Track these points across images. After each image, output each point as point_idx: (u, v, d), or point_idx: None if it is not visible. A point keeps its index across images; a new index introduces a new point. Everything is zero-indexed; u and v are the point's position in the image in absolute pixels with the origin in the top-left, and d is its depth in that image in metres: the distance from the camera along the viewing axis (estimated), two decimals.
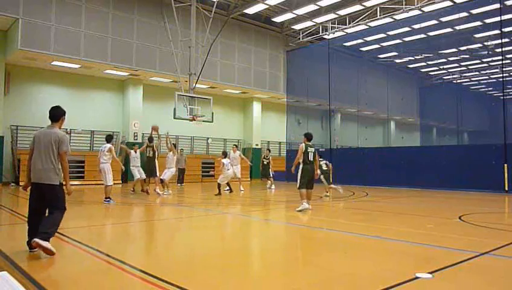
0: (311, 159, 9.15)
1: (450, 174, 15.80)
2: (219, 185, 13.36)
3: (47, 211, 4.81)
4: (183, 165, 18.22)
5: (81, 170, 18.94)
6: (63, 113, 5.14)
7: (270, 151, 17.87)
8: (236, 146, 16.56)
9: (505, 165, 14.46)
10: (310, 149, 9.17)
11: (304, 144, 9.19)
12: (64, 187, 4.88)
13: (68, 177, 4.92)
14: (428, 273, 3.88)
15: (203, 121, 17.11)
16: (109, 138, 10.74)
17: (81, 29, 17.30)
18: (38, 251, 4.56)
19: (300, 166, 9.12)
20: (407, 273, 3.92)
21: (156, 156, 13.47)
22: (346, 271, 4.22)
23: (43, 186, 4.71)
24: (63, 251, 5.18)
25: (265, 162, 16.86)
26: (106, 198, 10.31)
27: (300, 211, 8.85)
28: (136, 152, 14.01)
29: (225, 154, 13.85)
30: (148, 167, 13.34)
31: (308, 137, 9.38)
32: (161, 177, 13.32)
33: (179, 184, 18.05)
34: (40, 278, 3.69)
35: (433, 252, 5.12)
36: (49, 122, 5.14)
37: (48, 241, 4.50)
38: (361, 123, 25.97)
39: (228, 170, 13.53)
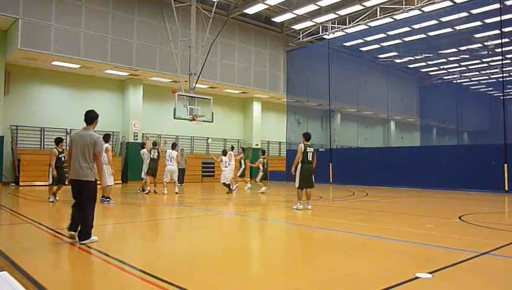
0: (310, 159, 9.24)
1: (450, 174, 15.80)
2: (225, 185, 13.96)
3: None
4: (183, 165, 18.11)
5: None
6: (97, 116, 5.73)
7: (244, 149, 17.97)
8: (233, 147, 16.55)
9: (505, 165, 14.46)
10: (309, 149, 9.24)
11: (302, 144, 9.26)
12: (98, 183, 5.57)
13: (102, 174, 5.76)
14: (428, 273, 3.88)
15: (203, 121, 17.10)
16: (107, 138, 10.59)
17: (81, 29, 17.30)
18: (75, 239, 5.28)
19: (299, 166, 9.19)
20: (407, 273, 3.92)
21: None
22: (346, 271, 4.22)
23: (81, 182, 5.32)
24: (63, 251, 5.18)
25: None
26: (106, 198, 10.28)
27: (296, 209, 9.17)
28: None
29: (224, 153, 14.39)
30: (155, 167, 13.58)
31: (307, 137, 9.45)
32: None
33: (179, 184, 17.99)
34: (40, 278, 3.69)
35: (433, 252, 5.12)
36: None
37: (89, 237, 5.27)
38: (361, 123, 25.99)
39: (226, 167, 13.97)
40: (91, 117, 5.65)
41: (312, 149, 9.33)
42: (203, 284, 3.70)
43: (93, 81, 20.24)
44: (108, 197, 10.30)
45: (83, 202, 5.32)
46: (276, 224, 8.19)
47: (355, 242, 5.88)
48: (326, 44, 21.74)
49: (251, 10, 20.99)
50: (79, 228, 5.29)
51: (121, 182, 19.00)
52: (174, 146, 14.34)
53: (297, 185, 9.26)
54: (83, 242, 5.20)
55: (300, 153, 9.12)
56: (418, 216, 8.84)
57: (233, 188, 15.10)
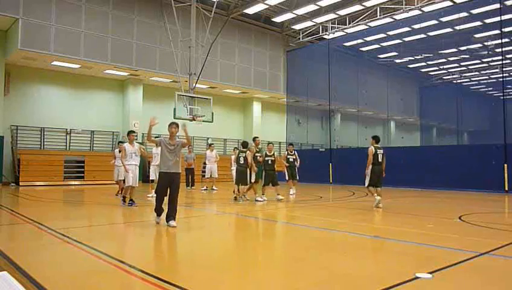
0: (380, 161, 9.63)
1: (450, 174, 15.79)
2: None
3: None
4: (191, 165, 16.50)
5: (81, 170, 18.94)
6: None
7: (258, 142, 12.54)
8: (211, 144, 16.52)
9: (505, 165, 14.46)
10: (379, 151, 9.64)
11: (373, 147, 9.65)
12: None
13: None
14: (428, 273, 3.87)
15: (203, 121, 17.11)
16: (128, 134, 9.86)
17: (81, 29, 17.30)
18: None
19: (370, 166, 9.62)
20: (407, 273, 3.92)
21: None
22: (346, 271, 4.22)
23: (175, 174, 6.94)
24: (63, 250, 5.18)
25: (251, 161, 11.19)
26: (123, 199, 9.88)
27: (378, 204, 9.53)
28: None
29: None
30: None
31: (376, 139, 9.83)
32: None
33: (188, 187, 16.37)
34: (40, 278, 3.68)
35: (433, 252, 5.11)
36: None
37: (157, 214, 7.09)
38: (361, 123, 25.97)
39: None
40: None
41: (382, 151, 9.70)
42: (203, 284, 3.70)
43: (93, 81, 20.24)
44: (131, 200, 9.76)
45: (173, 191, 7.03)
46: (276, 224, 8.19)
47: (355, 242, 5.88)
48: (326, 44, 21.73)
49: (251, 10, 21.00)
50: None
51: None
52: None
53: (366, 183, 9.72)
54: (173, 223, 6.76)
55: (372, 156, 9.54)
56: (418, 216, 8.83)
57: (213, 188, 15.48)
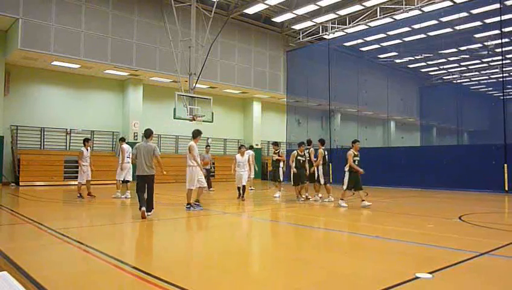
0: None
1: (450, 174, 15.79)
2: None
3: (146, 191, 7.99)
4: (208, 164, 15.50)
5: None
6: (152, 132, 8.25)
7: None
8: (241, 147, 15.77)
9: (505, 165, 14.46)
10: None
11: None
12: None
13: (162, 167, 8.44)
14: (428, 273, 3.88)
15: (203, 121, 17.10)
16: (196, 133, 9.54)
17: (81, 29, 17.30)
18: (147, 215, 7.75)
19: (348, 169, 10.31)
20: (407, 273, 3.92)
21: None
22: (346, 271, 4.22)
23: (148, 176, 7.98)
24: (63, 250, 5.18)
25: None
26: (191, 203, 9.22)
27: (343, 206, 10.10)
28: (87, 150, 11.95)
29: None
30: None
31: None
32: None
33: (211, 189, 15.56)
34: (40, 278, 3.69)
35: (433, 252, 5.12)
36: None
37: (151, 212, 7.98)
38: (361, 123, 25.94)
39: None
40: (150, 132, 8.12)
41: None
42: (203, 284, 3.70)
43: (93, 81, 20.23)
44: (189, 203, 9.17)
45: (149, 191, 8.02)
46: (276, 224, 8.19)
47: (355, 242, 5.88)
48: (326, 44, 21.72)
49: (251, 10, 20.99)
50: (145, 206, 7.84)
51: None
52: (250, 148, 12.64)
53: (345, 187, 10.36)
54: (150, 213, 7.85)
55: (352, 159, 10.36)
56: (418, 216, 8.83)
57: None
